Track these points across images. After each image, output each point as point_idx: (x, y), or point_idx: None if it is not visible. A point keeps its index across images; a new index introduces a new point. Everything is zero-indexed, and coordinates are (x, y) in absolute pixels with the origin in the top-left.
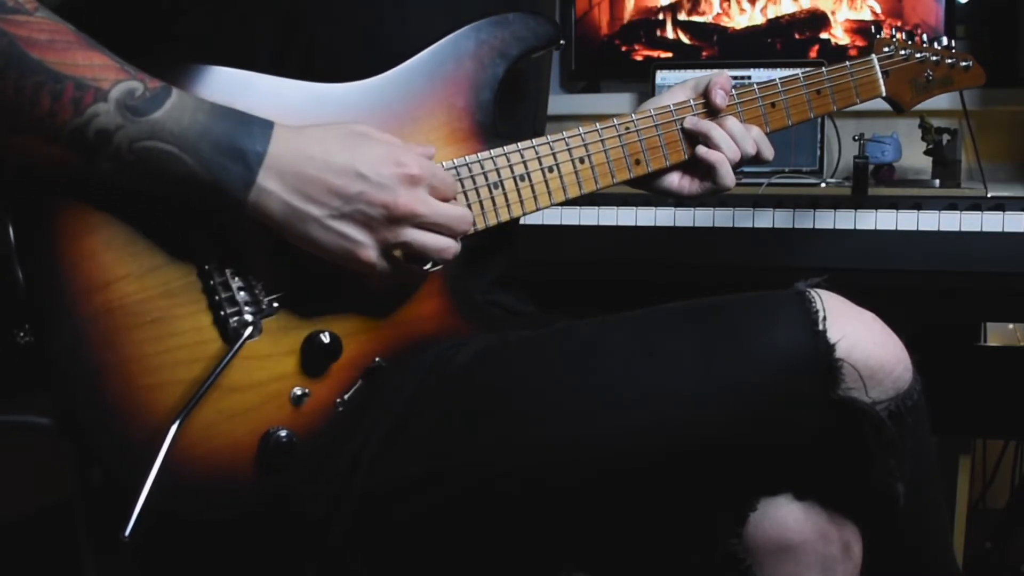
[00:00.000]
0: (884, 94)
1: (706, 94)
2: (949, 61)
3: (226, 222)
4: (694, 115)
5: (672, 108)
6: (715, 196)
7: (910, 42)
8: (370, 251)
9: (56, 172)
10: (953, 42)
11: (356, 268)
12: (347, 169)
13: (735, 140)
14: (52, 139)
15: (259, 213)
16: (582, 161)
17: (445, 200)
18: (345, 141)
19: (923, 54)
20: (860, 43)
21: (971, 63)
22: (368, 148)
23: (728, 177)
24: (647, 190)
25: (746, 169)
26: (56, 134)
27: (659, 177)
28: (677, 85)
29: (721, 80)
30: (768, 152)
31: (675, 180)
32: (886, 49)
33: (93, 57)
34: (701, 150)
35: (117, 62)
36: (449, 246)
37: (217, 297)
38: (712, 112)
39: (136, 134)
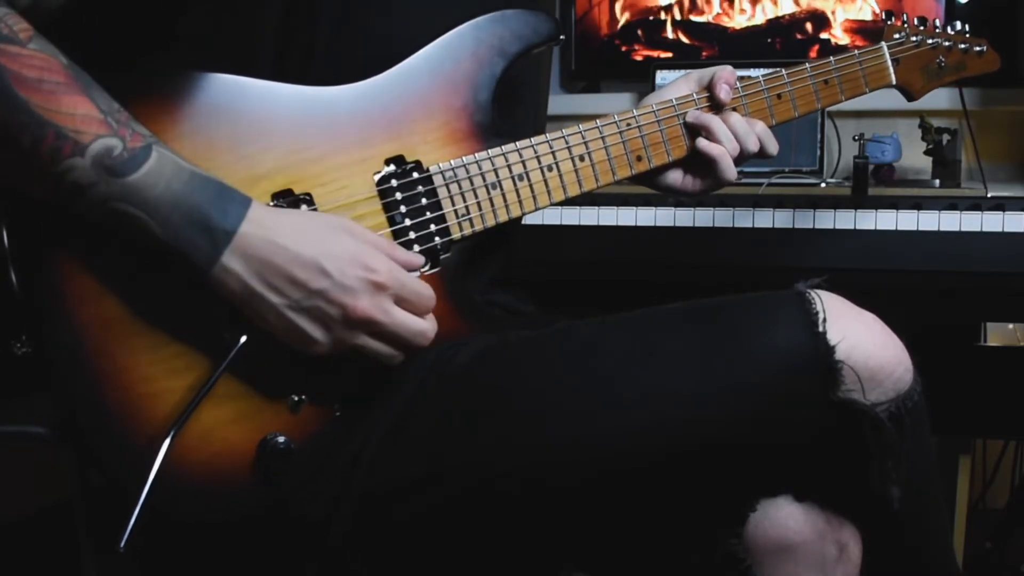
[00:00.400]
0: (894, 82)
1: (710, 88)
2: (963, 46)
3: None
4: (697, 108)
5: (675, 102)
6: (715, 196)
7: (922, 28)
8: (322, 348)
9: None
10: (967, 26)
11: (307, 354)
12: (312, 264)
13: (737, 136)
14: (29, 176)
15: (219, 288)
16: (582, 159)
17: (415, 312)
18: (319, 233)
19: (935, 40)
20: (860, 43)
21: (985, 47)
22: (341, 246)
23: (729, 171)
24: (649, 186)
25: (746, 169)
26: (34, 174)
27: (660, 174)
28: (680, 78)
29: (725, 75)
30: (772, 147)
31: (677, 177)
32: (896, 36)
33: (78, 105)
34: (702, 143)
35: (102, 112)
36: (396, 357)
37: (211, 306)
38: (716, 107)
39: (108, 194)
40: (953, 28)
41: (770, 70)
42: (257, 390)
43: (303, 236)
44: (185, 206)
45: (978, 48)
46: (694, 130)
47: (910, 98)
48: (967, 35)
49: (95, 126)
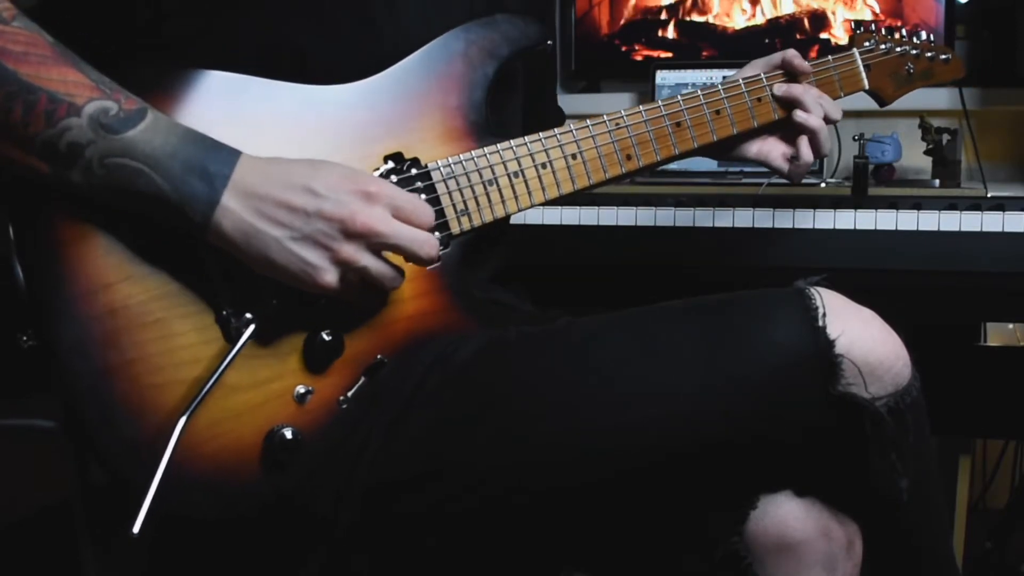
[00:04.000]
0: (867, 87)
1: (786, 65)
2: (929, 54)
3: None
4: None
5: (661, 104)
6: (715, 196)
7: (890, 36)
8: (328, 276)
9: (28, 177)
10: (931, 36)
11: (314, 291)
12: (304, 187)
13: (823, 105)
14: (24, 148)
15: (220, 234)
16: (574, 157)
17: (411, 224)
18: (307, 165)
19: (903, 48)
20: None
21: (950, 56)
22: (327, 169)
23: (826, 144)
24: (726, 158)
25: (746, 169)
26: (28, 143)
27: (742, 144)
28: (748, 64)
29: (791, 52)
30: (837, 114)
31: (765, 148)
32: (867, 43)
33: (67, 73)
34: (800, 115)
35: (93, 80)
36: (398, 279)
37: (218, 297)
38: (792, 80)
39: (107, 150)
40: (918, 37)
41: (752, 73)
42: (264, 381)
43: (293, 167)
44: (182, 155)
45: (944, 56)
46: (784, 103)
47: (881, 103)
48: (932, 43)
49: (87, 91)
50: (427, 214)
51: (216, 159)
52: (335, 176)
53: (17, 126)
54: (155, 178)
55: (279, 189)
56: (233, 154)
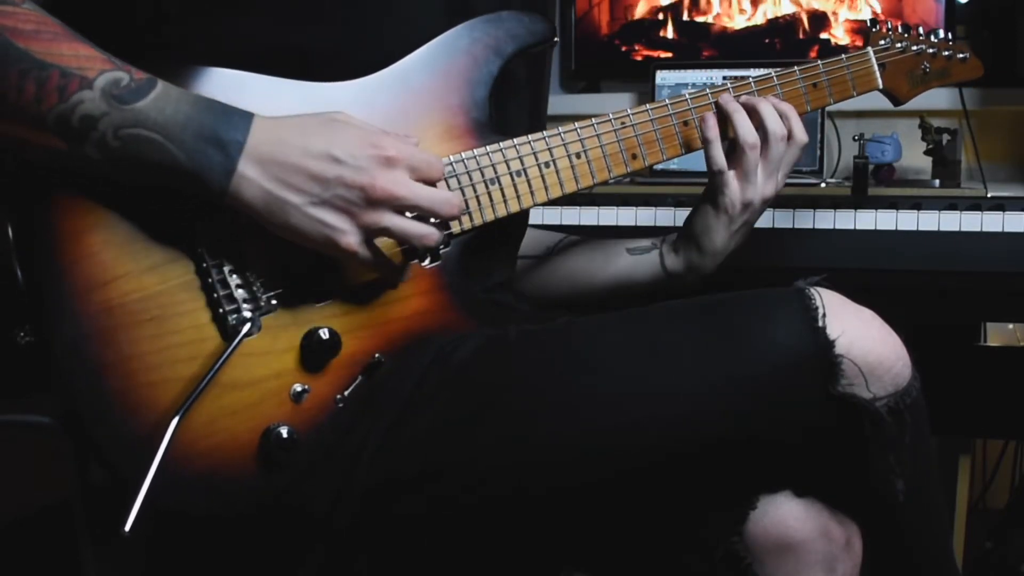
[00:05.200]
0: (881, 87)
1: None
2: (946, 53)
3: (224, 219)
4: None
5: (668, 103)
6: None
7: (906, 35)
8: (350, 238)
9: (43, 159)
10: (951, 34)
11: (338, 255)
12: (323, 154)
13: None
14: (38, 125)
15: (239, 202)
16: (579, 156)
17: (429, 183)
18: (322, 128)
19: (920, 46)
20: (860, 43)
21: (968, 55)
22: (344, 133)
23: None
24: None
25: None
26: (42, 120)
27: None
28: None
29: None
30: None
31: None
32: (882, 42)
33: (78, 48)
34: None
35: (103, 54)
36: (429, 233)
37: (215, 295)
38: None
39: (121, 121)
40: (936, 36)
41: (761, 72)
42: (260, 379)
43: (309, 132)
44: (195, 123)
45: (961, 55)
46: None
47: (896, 103)
48: (950, 42)
49: (99, 63)
50: (439, 168)
51: (228, 125)
52: (353, 139)
53: (31, 103)
54: (169, 147)
55: (297, 155)
56: (245, 118)
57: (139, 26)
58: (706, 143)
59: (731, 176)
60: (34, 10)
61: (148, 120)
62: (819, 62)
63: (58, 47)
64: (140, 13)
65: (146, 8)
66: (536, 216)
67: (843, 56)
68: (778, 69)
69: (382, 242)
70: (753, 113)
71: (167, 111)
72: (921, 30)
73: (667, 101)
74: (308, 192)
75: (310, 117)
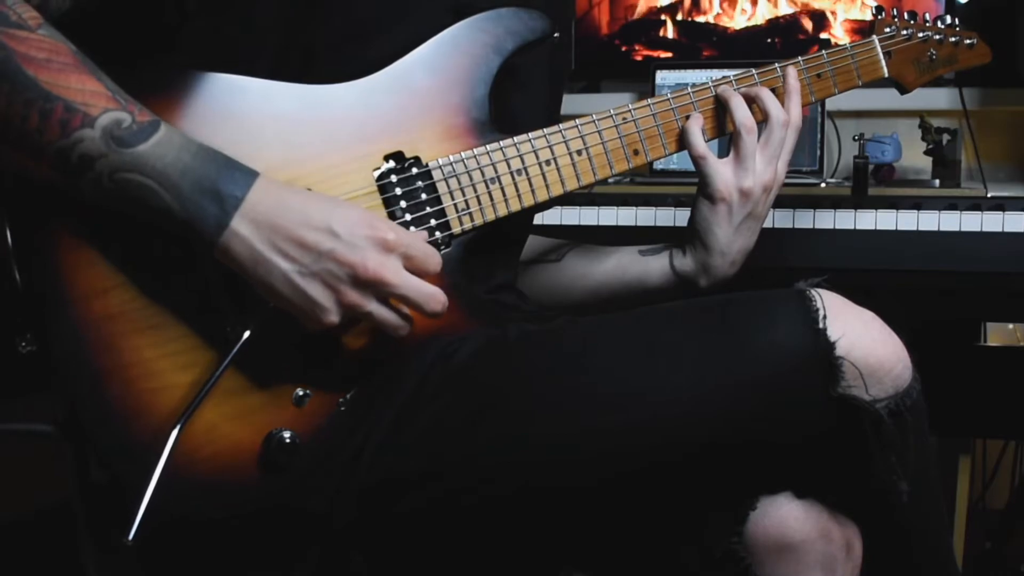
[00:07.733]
0: (886, 75)
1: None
2: (953, 39)
3: None
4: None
5: (670, 97)
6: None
7: (912, 22)
8: (332, 316)
9: (42, 184)
10: (957, 20)
11: (314, 329)
12: (323, 226)
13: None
14: (38, 156)
15: (228, 257)
16: (579, 154)
17: (423, 275)
18: (327, 202)
19: (926, 33)
20: None
21: (975, 40)
22: (348, 211)
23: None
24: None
25: None
26: (42, 151)
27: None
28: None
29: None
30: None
31: None
32: (887, 30)
33: (86, 82)
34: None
35: (109, 90)
36: (404, 326)
37: (215, 301)
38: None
39: (118, 164)
40: (943, 22)
41: (766, 65)
42: (261, 385)
43: (312, 202)
44: (194, 174)
45: (968, 41)
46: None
47: (903, 91)
48: (957, 28)
49: (104, 100)
50: (436, 262)
51: (229, 179)
52: (354, 217)
53: (33, 133)
54: (164, 195)
55: (295, 223)
56: (249, 175)
57: (156, 29)
58: (684, 130)
59: (713, 160)
60: (49, 36)
61: (146, 166)
62: (823, 52)
63: (66, 79)
64: (168, 14)
65: (173, 9)
66: (536, 215)
67: (848, 45)
68: (782, 61)
69: None
70: (753, 100)
71: (167, 158)
72: (928, 16)
73: (669, 95)
74: (298, 261)
75: (319, 193)
